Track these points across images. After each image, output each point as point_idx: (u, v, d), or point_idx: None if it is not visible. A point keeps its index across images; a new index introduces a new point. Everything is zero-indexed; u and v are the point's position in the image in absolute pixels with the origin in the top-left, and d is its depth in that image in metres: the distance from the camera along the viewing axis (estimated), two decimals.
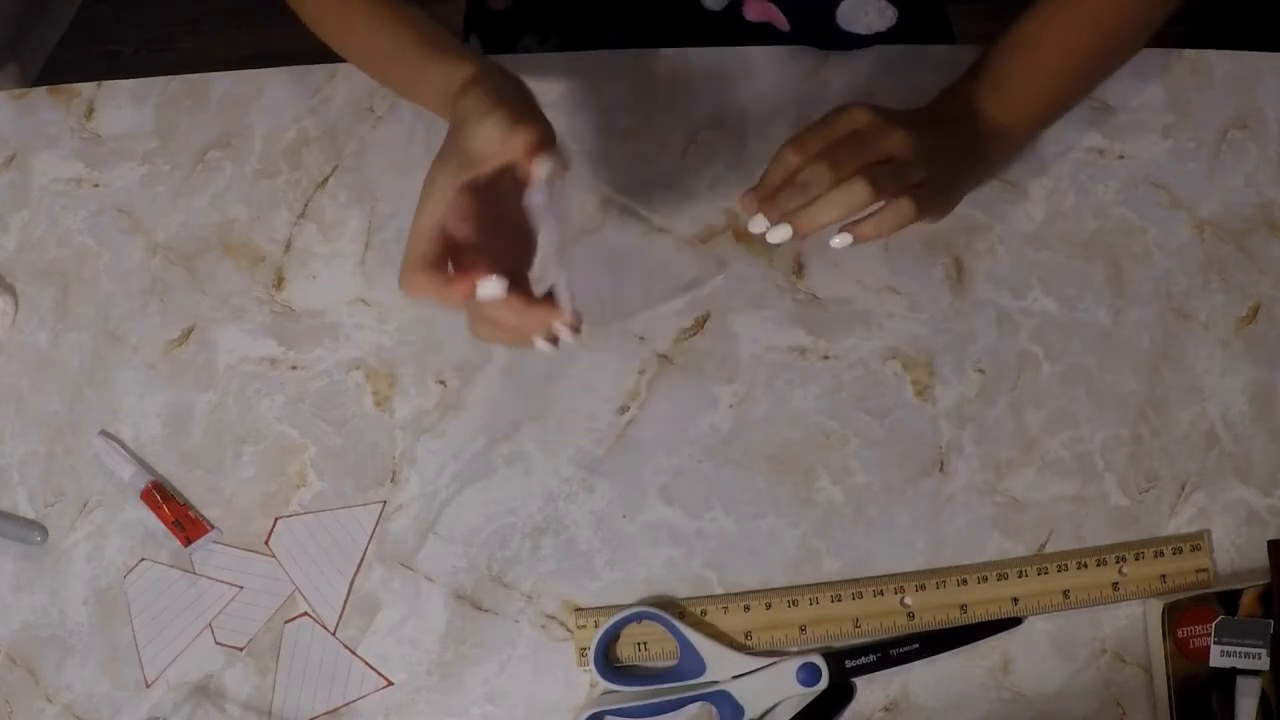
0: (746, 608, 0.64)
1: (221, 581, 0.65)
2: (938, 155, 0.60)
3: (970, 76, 0.66)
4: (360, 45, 0.66)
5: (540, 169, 0.51)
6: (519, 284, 0.54)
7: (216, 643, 0.64)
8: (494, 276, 0.51)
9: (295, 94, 0.73)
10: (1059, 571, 0.65)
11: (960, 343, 0.69)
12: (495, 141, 0.51)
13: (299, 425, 0.67)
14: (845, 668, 0.63)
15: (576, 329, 0.53)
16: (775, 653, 0.64)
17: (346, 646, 0.64)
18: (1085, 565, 0.65)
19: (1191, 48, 0.75)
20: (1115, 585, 0.64)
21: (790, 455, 0.67)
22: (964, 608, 0.64)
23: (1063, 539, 0.66)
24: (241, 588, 0.65)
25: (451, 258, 0.53)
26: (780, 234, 0.58)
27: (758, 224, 0.58)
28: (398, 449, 0.67)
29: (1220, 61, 0.75)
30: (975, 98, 0.65)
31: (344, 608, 0.65)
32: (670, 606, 0.64)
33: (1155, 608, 0.64)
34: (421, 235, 0.53)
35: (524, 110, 0.53)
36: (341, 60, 0.72)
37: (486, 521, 0.66)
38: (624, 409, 0.67)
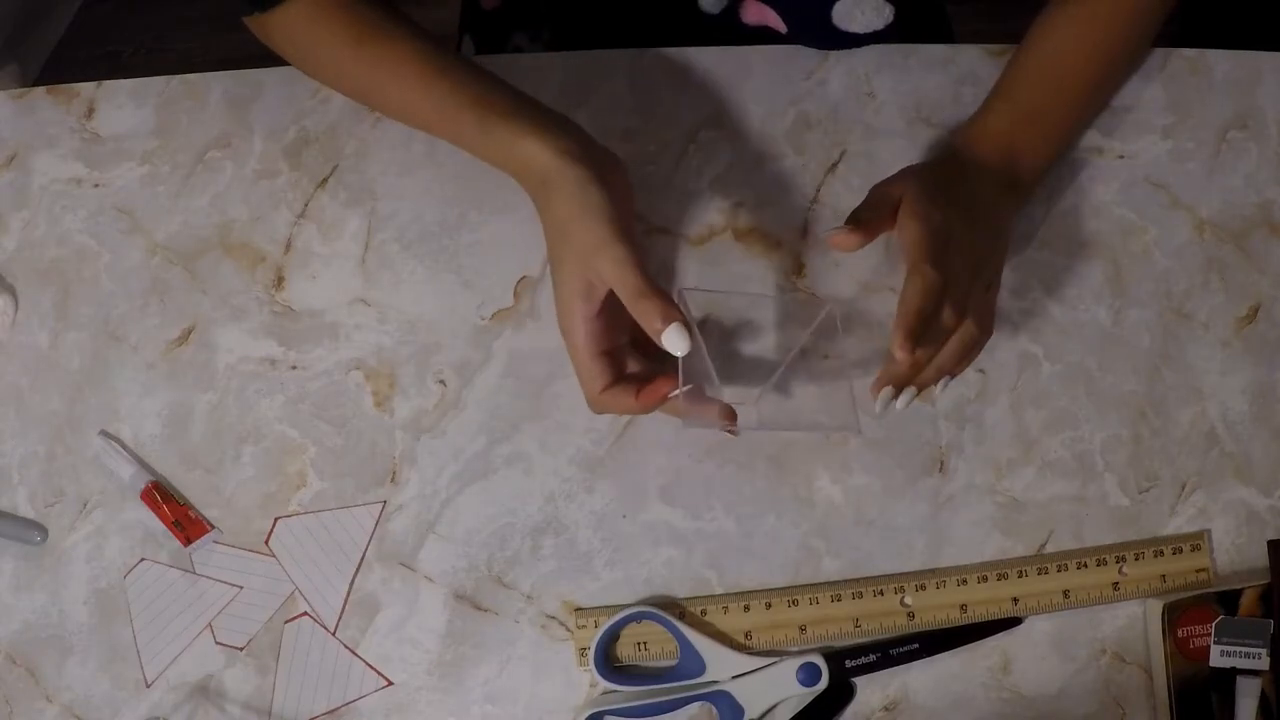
0: (746, 608, 0.64)
1: (221, 581, 0.65)
2: (989, 253, 0.61)
3: (984, 120, 0.67)
4: (404, 104, 0.66)
5: (674, 344, 0.53)
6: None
7: (216, 643, 0.64)
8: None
9: (295, 94, 0.73)
10: (1059, 571, 0.65)
11: None
12: (625, 294, 0.55)
13: (299, 425, 0.67)
14: (845, 668, 0.63)
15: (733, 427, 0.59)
16: (775, 653, 0.64)
17: (346, 646, 0.64)
18: (1085, 565, 0.65)
19: (1191, 47, 0.75)
20: (1115, 585, 0.64)
21: (790, 455, 0.67)
22: (964, 608, 0.64)
23: (1063, 539, 0.66)
24: (241, 588, 0.65)
25: (619, 357, 0.59)
26: (905, 399, 0.59)
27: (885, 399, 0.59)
28: (398, 449, 0.67)
29: (1220, 61, 0.75)
30: (998, 146, 0.66)
31: (344, 608, 0.65)
32: (670, 606, 0.64)
33: (1155, 608, 0.64)
34: (587, 368, 0.57)
35: (639, 256, 0.55)
36: None
37: (486, 521, 0.66)
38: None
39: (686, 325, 0.54)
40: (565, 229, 0.57)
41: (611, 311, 0.57)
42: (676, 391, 0.56)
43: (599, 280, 0.56)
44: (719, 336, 0.67)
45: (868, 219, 0.58)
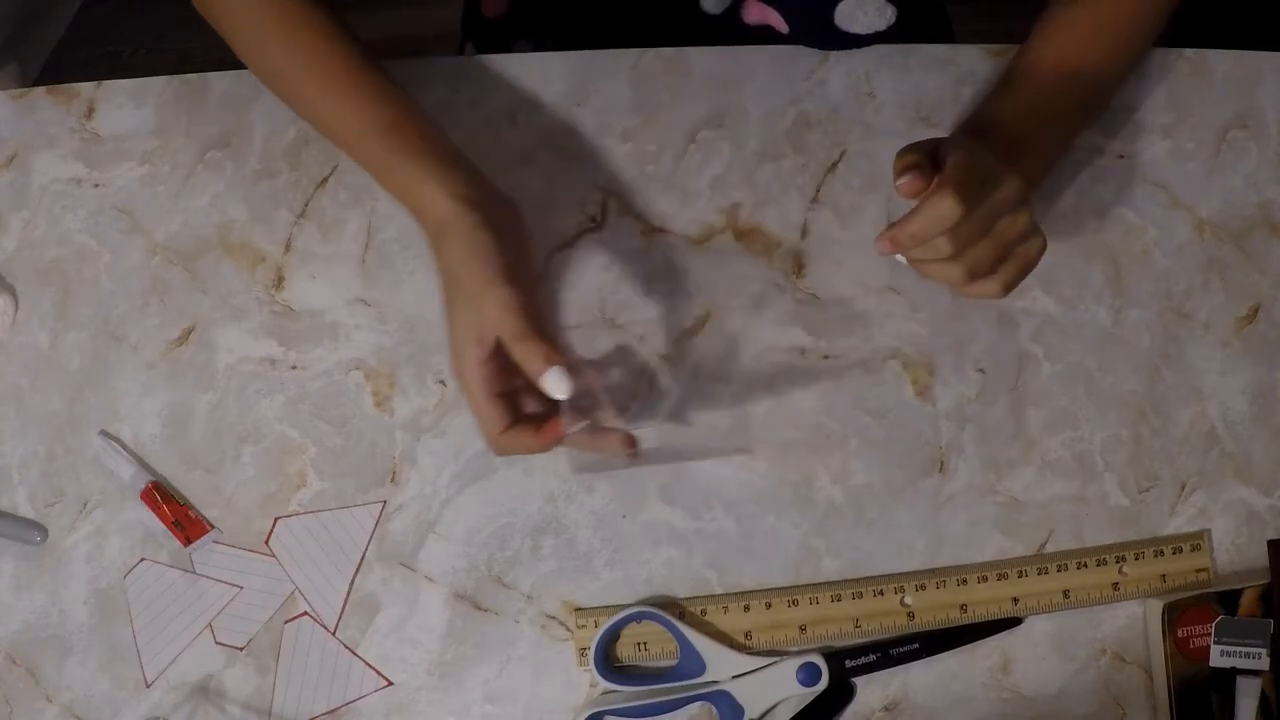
0: (746, 608, 0.64)
1: (221, 581, 0.65)
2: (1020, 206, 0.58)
3: (991, 113, 0.66)
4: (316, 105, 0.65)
5: (554, 388, 0.54)
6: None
7: (216, 643, 0.64)
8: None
9: None
10: (1059, 571, 0.65)
11: (960, 343, 0.69)
12: (506, 338, 0.55)
13: (299, 425, 0.67)
14: (845, 668, 0.63)
15: (633, 453, 0.60)
16: (775, 653, 0.64)
17: (346, 646, 0.64)
18: (1085, 565, 0.65)
19: (1191, 47, 0.75)
20: (1115, 585, 0.64)
21: (790, 455, 0.67)
22: (964, 608, 0.64)
23: (1063, 539, 0.66)
24: (241, 588, 0.65)
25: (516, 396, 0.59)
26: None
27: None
28: (398, 449, 0.67)
29: (1220, 61, 0.75)
30: (1013, 124, 0.65)
31: (344, 608, 0.65)
32: (670, 606, 0.64)
33: (1155, 608, 0.64)
34: (484, 410, 0.57)
35: (530, 317, 0.55)
36: None
37: (486, 521, 0.66)
38: (624, 409, 0.67)
39: (571, 367, 0.54)
40: (457, 273, 0.57)
41: (506, 354, 0.57)
42: (571, 430, 0.57)
43: (488, 323, 0.56)
44: (625, 369, 0.67)
45: (917, 161, 0.55)
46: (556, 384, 0.54)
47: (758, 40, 0.76)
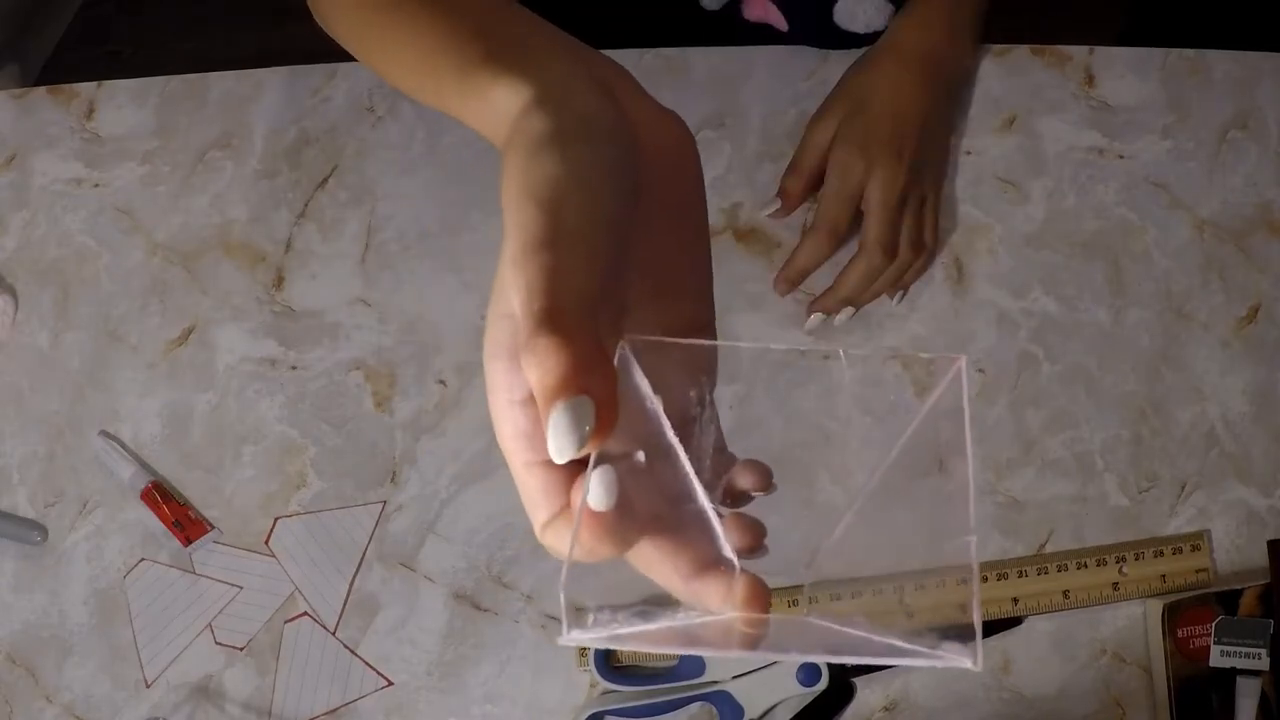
0: None
1: (221, 581, 0.65)
2: (913, 183, 0.66)
3: (907, 40, 0.70)
4: (393, 52, 0.42)
5: (561, 433, 0.28)
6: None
7: (216, 643, 0.64)
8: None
9: (295, 94, 0.73)
10: (1059, 571, 0.65)
11: (960, 343, 0.69)
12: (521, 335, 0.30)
13: (299, 425, 0.67)
14: (845, 668, 0.63)
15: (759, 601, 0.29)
16: None
17: (346, 646, 0.64)
18: (1085, 565, 0.65)
19: (1191, 48, 0.75)
20: (1115, 585, 0.64)
21: (790, 455, 0.67)
22: (964, 608, 0.64)
23: (1063, 539, 0.66)
24: (241, 588, 0.65)
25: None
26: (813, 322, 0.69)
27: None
28: (398, 449, 0.67)
29: (1220, 61, 0.75)
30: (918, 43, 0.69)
31: (344, 608, 0.65)
32: (671, 606, 0.64)
33: (1155, 608, 0.63)
34: (521, 482, 0.31)
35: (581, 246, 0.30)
36: (340, 60, 0.72)
37: (486, 521, 0.66)
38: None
39: (607, 401, 0.28)
40: (505, 227, 0.31)
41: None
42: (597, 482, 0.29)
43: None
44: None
45: (798, 188, 0.68)
46: (564, 427, 0.28)
47: (757, 38, 0.76)
